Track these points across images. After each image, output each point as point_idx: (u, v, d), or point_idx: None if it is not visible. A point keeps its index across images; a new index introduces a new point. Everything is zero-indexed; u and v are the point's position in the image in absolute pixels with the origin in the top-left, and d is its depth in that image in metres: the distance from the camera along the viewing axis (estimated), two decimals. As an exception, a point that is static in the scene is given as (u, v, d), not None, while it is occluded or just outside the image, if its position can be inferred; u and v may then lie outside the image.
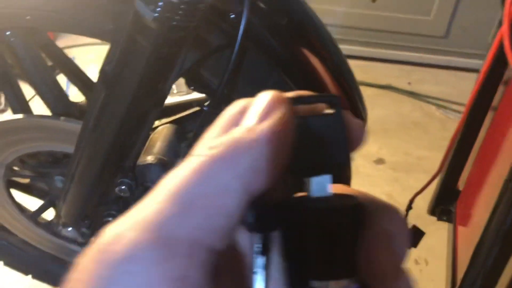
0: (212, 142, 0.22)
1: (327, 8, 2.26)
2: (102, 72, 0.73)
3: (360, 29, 2.48)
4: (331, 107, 0.26)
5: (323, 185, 0.25)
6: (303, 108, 0.25)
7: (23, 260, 1.25)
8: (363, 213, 0.25)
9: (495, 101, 1.23)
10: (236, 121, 0.24)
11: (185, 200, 0.20)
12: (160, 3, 0.58)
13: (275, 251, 0.26)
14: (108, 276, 0.19)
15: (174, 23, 0.61)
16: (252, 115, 0.23)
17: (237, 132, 0.22)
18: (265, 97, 0.24)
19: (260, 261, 0.24)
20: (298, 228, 0.24)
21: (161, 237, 0.20)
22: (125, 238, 0.20)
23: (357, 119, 0.26)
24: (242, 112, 0.24)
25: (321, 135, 0.25)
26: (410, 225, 1.10)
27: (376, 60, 2.50)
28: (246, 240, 0.26)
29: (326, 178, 0.26)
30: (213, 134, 0.24)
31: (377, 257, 0.23)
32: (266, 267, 0.24)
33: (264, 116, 0.23)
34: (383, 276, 0.23)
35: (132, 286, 0.19)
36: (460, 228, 1.30)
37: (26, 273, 1.26)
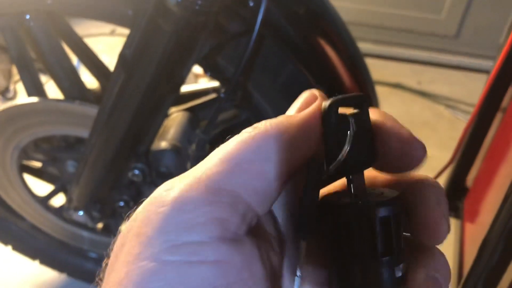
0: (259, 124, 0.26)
1: (338, 5, 2.25)
2: (121, 56, 0.74)
3: (371, 26, 2.48)
4: (358, 106, 0.28)
5: (360, 182, 0.28)
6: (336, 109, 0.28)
7: (31, 245, 1.26)
8: (404, 200, 0.27)
9: (505, 102, 1.23)
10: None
11: (232, 162, 0.24)
12: (184, -13, 0.59)
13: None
14: (163, 212, 0.23)
15: (196, 7, 0.62)
16: (294, 107, 0.29)
17: (281, 117, 0.27)
18: (304, 94, 0.29)
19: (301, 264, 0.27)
20: (353, 223, 0.26)
21: (208, 186, 0.23)
22: (178, 186, 0.24)
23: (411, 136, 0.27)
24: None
25: (350, 134, 0.27)
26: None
27: (386, 58, 2.50)
28: (287, 229, 0.29)
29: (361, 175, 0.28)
30: None
31: (426, 220, 0.27)
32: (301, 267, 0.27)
33: (302, 108, 0.28)
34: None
35: (183, 221, 0.23)
36: (468, 225, 1.31)
37: (34, 258, 1.27)
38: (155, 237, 0.22)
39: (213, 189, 0.23)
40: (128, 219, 0.25)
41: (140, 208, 0.24)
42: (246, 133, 0.25)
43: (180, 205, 0.23)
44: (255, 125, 0.26)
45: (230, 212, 0.23)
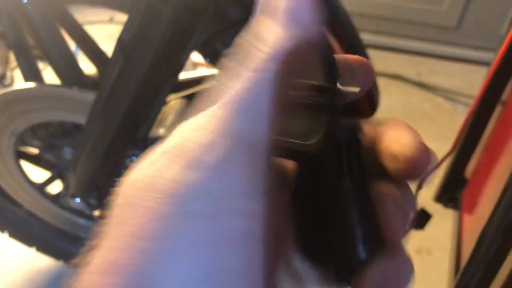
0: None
1: (339, -5, 2.24)
2: (120, 41, 0.73)
3: (370, 17, 2.46)
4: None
5: None
6: None
7: (28, 232, 1.26)
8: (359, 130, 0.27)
9: (505, 95, 1.23)
10: None
11: (265, 115, 0.22)
12: (184, -30, 0.58)
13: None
14: (203, 177, 0.20)
15: (196, -9, 0.61)
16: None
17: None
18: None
19: None
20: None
21: (242, 144, 0.21)
22: (215, 147, 0.21)
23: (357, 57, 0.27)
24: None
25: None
26: (418, 208, 1.11)
27: (385, 49, 2.48)
28: None
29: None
30: None
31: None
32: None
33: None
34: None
35: (230, 185, 0.21)
36: (466, 217, 1.31)
37: (30, 246, 1.27)
38: (187, 198, 0.20)
39: (248, 145, 0.21)
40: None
41: (174, 171, 0.21)
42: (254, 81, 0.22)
43: (227, 168, 0.21)
44: (260, 59, 0.22)
45: (267, 164, 0.22)
